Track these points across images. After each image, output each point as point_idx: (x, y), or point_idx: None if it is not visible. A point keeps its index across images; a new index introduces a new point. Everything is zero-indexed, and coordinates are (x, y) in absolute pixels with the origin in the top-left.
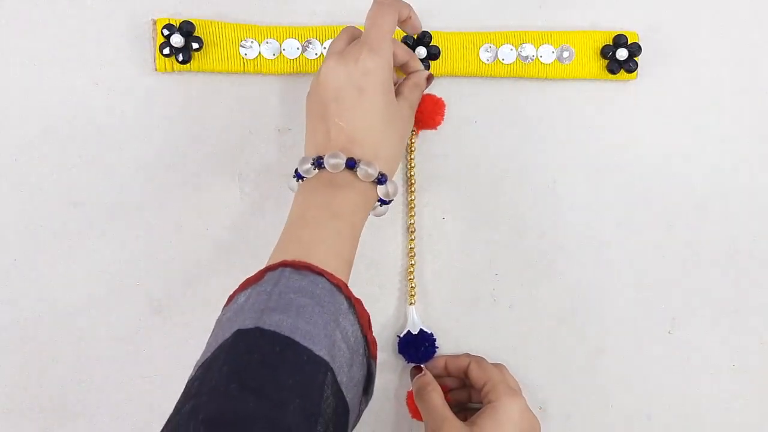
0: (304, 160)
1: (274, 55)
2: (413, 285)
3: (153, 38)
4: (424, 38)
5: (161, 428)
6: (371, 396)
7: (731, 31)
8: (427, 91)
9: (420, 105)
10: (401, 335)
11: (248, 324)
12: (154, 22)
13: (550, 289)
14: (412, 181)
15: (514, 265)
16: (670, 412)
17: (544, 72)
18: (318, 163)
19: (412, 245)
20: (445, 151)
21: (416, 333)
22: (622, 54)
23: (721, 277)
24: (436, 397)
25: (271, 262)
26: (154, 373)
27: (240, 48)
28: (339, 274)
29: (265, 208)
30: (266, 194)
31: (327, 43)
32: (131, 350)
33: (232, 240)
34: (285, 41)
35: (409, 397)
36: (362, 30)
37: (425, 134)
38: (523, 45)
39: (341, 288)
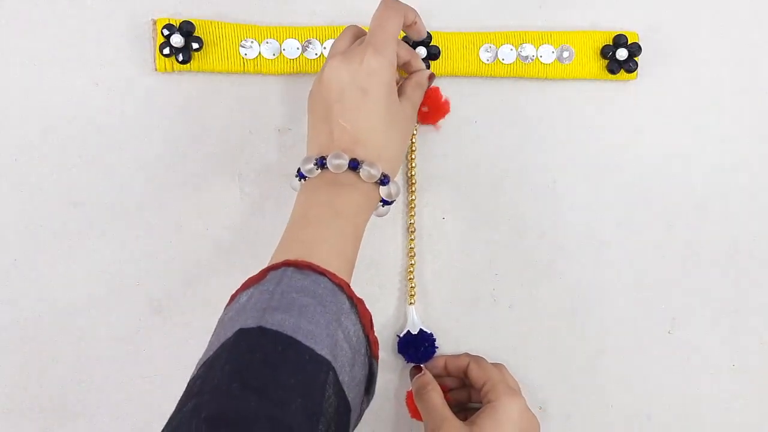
0: (307, 160)
1: (274, 55)
2: (413, 285)
3: (153, 38)
4: (424, 38)
5: (163, 427)
6: (373, 395)
7: (731, 31)
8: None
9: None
10: (401, 335)
11: (250, 323)
12: (154, 22)
13: (550, 289)
14: (413, 181)
15: (514, 265)
16: (670, 412)
17: (544, 72)
18: (321, 163)
19: (412, 245)
20: (445, 151)
21: (416, 333)
22: (622, 54)
23: (721, 277)
24: (435, 396)
25: (274, 262)
26: (154, 373)
27: (240, 48)
28: (341, 274)
29: (265, 208)
30: (266, 194)
31: (327, 43)
32: (131, 350)
33: (232, 240)
34: (285, 41)
35: (409, 396)
36: (365, 29)
37: (425, 135)
38: (523, 45)
39: (343, 288)
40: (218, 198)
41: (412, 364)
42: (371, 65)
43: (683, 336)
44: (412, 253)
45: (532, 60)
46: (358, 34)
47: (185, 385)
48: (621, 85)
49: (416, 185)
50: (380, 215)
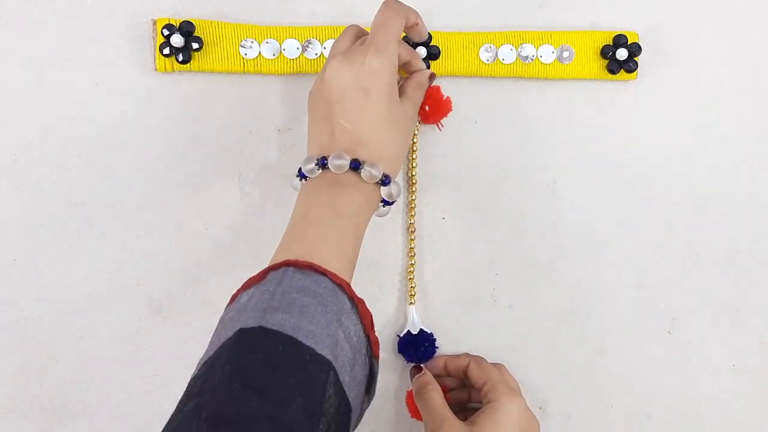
0: (308, 160)
1: (274, 55)
2: (413, 285)
3: (153, 38)
4: (424, 40)
5: (163, 427)
6: (373, 395)
7: (731, 31)
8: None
9: (425, 99)
10: (401, 335)
11: (251, 323)
12: (154, 22)
13: (550, 289)
14: (413, 181)
15: (514, 265)
16: (670, 412)
17: (544, 72)
18: (322, 163)
19: (412, 245)
20: (445, 151)
21: (416, 333)
22: (622, 54)
23: (721, 277)
24: (435, 396)
25: (274, 262)
26: (154, 373)
27: (240, 48)
28: (342, 274)
29: (265, 208)
30: (266, 194)
31: (327, 43)
32: (131, 350)
33: (232, 240)
34: (285, 41)
35: (409, 396)
36: (365, 29)
37: (426, 135)
38: (523, 45)
39: (344, 288)
40: (218, 198)
41: (412, 364)
42: (373, 65)
43: (683, 336)
44: (412, 253)
45: (532, 60)
46: (359, 34)
47: (185, 385)
48: (621, 85)
49: (416, 185)
50: (381, 215)
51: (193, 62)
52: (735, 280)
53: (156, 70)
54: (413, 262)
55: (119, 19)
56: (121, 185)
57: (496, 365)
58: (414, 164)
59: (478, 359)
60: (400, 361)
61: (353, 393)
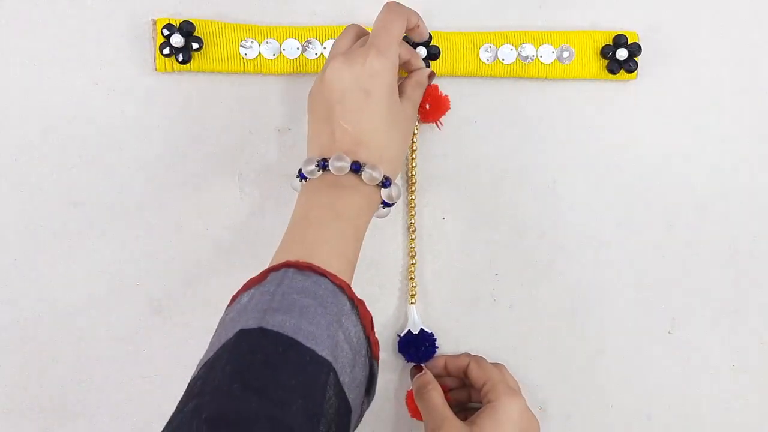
0: (308, 161)
1: (274, 55)
2: (413, 285)
3: (153, 38)
4: (424, 40)
5: (163, 427)
6: (373, 396)
7: (731, 31)
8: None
9: (424, 98)
10: (401, 335)
11: (251, 324)
12: (154, 22)
13: (550, 289)
14: (413, 181)
15: (514, 265)
16: (670, 412)
17: (544, 72)
18: (322, 165)
19: (413, 245)
20: (445, 151)
21: (416, 333)
22: (622, 54)
23: (721, 277)
24: (435, 396)
25: (275, 263)
26: (154, 373)
27: (240, 48)
28: (342, 275)
29: (265, 208)
30: (266, 194)
31: (327, 43)
32: (131, 350)
33: (232, 240)
34: (285, 41)
35: (409, 396)
36: (366, 28)
37: (425, 134)
38: (523, 45)
39: (344, 289)
40: (218, 198)
41: (413, 364)
42: (374, 66)
43: (683, 336)
44: (413, 253)
45: (532, 60)
46: (359, 34)
47: (185, 385)
48: (621, 85)
49: (416, 185)
50: (381, 217)
51: (193, 62)
52: (735, 280)
53: (156, 70)
54: (413, 262)
55: (119, 19)
56: (121, 185)
57: (496, 365)
58: (414, 164)
59: (478, 359)
60: (401, 360)
61: (353, 394)
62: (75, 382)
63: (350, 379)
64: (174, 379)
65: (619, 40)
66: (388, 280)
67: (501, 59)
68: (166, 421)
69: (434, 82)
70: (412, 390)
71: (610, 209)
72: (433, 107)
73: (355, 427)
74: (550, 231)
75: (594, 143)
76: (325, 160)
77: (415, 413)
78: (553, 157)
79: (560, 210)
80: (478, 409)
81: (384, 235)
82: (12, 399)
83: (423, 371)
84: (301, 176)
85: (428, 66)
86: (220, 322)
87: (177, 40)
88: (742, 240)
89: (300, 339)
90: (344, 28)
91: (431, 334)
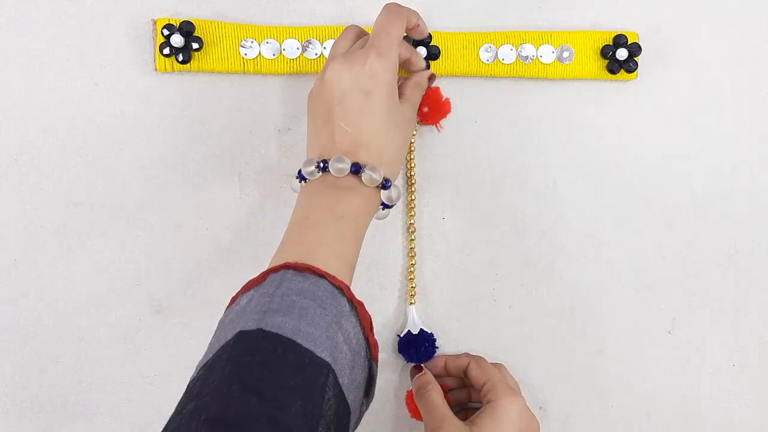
0: (308, 162)
1: (274, 55)
2: (413, 285)
3: (153, 38)
4: (424, 38)
5: (162, 428)
6: (372, 398)
7: (731, 31)
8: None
9: (424, 100)
10: (401, 335)
11: (250, 325)
12: (154, 22)
13: (550, 289)
14: (413, 181)
15: (514, 265)
16: (670, 412)
17: (544, 72)
18: (322, 166)
19: (412, 245)
20: (445, 151)
21: (416, 333)
22: (622, 54)
23: (721, 277)
24: (435, 396)
25: (274, 264)
26: (154, 373)
27: (240, 48)
28: (341, 277)
29: (265, 208)
30: (266, 194)
31: (327, 43)
32: (131, 350)
33: (232, 240)
34: (285, 41)
35: (409, 396)
36: (366, 29)
37: (425, 135)
38: (523, 45)
39: (343, 290)
40: (218, 198)
41: (413, 364)
42: (374, 68)
43: (683, 336)
44: (413, 253)
45: (532, 60)
46: (359, 34)
47: (185, 386)
48: (621, 85)
49: (416, 185)
50: (380, 218)
51: (193, 62)
52: (735, 280)
53: (156, 70)
54: (413, 262)
55: (119, 19)
56: (121, 185)
57: (496, 365)
58: (413, 164)
59: (478, 359)
60: (400, 361)
61: (352, 395)
62: (75, 382)
63: (349, 380)
64: (174, 379)
65: (619, 40)
66: (388, 281)
67: (501, 59)
68: (166, 421)
69: (435, 83)
70: (412, 390)
71: (610, 209)
72: (433, 110)
73: (354, 428)
74: (550, 231)
75: (594, 143)
76: (325, 161)
77: (415, 413)
78: (553, 157)
79: (560, 210)
80: (478, 409)
81: (384, 235)
82: (12, 399)
83: (423, 371)
84: (301, 177)
85: (428, 66)
86: (219, 323)
87: (177, 40)
88: (741, 240)
89: (299, 340)
90: (344, 28)
91: (431, 335)
